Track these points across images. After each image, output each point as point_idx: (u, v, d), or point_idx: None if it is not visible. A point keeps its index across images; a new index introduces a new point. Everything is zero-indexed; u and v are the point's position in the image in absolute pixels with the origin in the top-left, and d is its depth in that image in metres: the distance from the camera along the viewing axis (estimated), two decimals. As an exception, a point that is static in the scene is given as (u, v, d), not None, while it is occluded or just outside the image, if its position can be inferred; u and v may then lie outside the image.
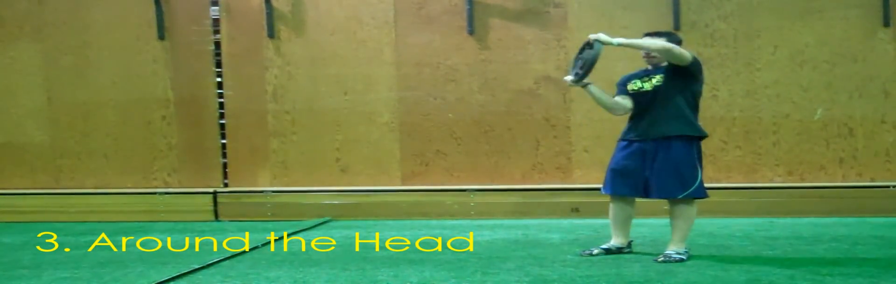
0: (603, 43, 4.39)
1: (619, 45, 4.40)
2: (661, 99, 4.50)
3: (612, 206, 4.72)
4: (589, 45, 4.47)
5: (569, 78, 4.59)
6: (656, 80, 4.53)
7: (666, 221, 4.63)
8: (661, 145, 4.50)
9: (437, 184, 6.80)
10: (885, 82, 6.55)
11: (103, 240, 5.72)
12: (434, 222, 6.39)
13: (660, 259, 4.45)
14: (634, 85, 4.62)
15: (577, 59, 4.60)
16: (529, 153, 6.83)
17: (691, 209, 4.54)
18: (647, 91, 4.55)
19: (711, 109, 6.63)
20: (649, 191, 4.55)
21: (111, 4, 7.10)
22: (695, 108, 4.59)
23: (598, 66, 4.48)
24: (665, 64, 4.55)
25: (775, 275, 4.00)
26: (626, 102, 4.65)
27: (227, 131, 7.06)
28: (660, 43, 4.42)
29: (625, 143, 4.64)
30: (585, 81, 4.58)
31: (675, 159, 4.47)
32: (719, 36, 6.61)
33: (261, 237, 5.64)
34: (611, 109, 4.68)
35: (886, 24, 6.50)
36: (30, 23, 7.16)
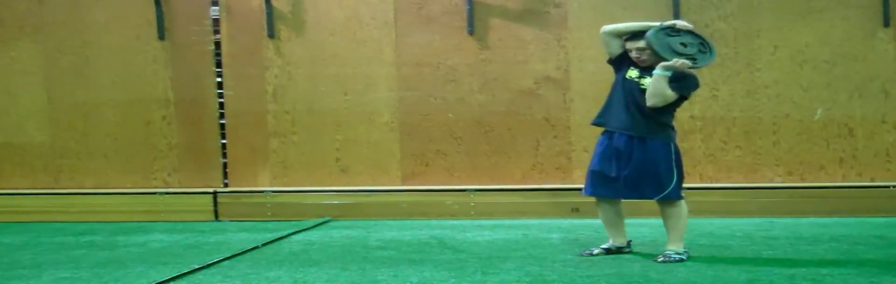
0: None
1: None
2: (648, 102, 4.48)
3: (599, 208, 4.73)
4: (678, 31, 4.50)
5: (683, 61, 4.43)
6: (648, 81, 4.50)
7: (666, 221, 4.63)
8: (637, 142, 4.49)
9: (437, 184, 6.80)
10: (885, 82, 6.55)
11: (103, 240, 5.72)
12: (434, 222, 6.39)
13: (659, 259, 4.45)
14: (633, 72, 4.57)
15: (682, 44, 4.49)
16: (529, 153, 6.83)
17: (679, 208, 4.53)
18: (640, 88, 4.51)
19: (711, 109, 6.63)
20: (625, 192, 4.55)
21: (111, 4, 7.10)
22: (673, 113, 4.60)
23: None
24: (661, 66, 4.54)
25: (775, 275, 4.00)
26: (619, 49, 4.60)
27: (227, 131, 7.06)
28: (664, 92, 4.40)
29: (605, 140, 4.61)
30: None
31: (651, 159, 4.46)
32: (719, 36, 6.61)
33: (261, 237, 5.65)
34: (614, 27, 4.59)
35: (886, 24, 6.50)
36: (30, 23, 7.16)
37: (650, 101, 4.42)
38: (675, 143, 4.57)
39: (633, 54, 4.55)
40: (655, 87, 4.39)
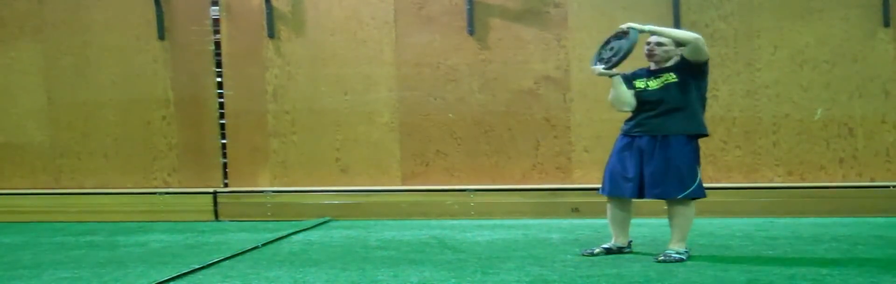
0: (637, 30, 4.44)
1: (650, 31, 4.46)
2: (674, 97, 4.48)
3: (609, 207, 4.72)
4: (622, 34, 4.51)
5: (599, 67, 4.55)
6: (665, 78, 4.51)
7: (666, 221, 4.62)
8: (660, 142, 4.49)
9: (437, 184, 6.80)
10: (885, 82, 6.56)
11: (103, 240, 5.72)
12: (434, 222, 6.39)
13: (660, 259, 4.44)
14: (640, 83, 4.59)
15: (606, 48, 4.61)
16: (529, 153, 6.83)
17: (689, 208, 4.53)
18: (654, 90, 4.52)
19: (711, 109, 6.58)
20: (646, 192, 4.54)
21: (111, 4, 7.10)
22: (704, 105, 4.60)
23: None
24: (672, 63, 4.54)
25: (775, 275, 4.00)
26: (633, 99, 4.62)
27: (227, 131, 7.06)
28: (690, 33, 4.46)
29: (625, 140, 4.62)
30: (614, 70, 4.56)
31: (674, 158, 4.46)
32: (719, 36, 6.61)
33: (261, 237, 5.65)
34: (622, 103, 4.59)
35: (886, 24, 6.50)
36: (30, 23, 7.17)
37: (689, 50, 4.42)
38: (697, 142, 4.55)
39: (648, 47, 4.56)
40: (678, 33, 4.47)
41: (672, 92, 4.49)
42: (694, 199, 4.52)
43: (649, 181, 4.49)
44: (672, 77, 4.50)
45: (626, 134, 4.63)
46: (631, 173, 4.54)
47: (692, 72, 4.50)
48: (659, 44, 4.52)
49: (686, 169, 4.47)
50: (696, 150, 4.54)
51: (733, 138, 6.66)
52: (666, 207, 4.58)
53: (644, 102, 4.57)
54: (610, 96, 4.64)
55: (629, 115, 4.66)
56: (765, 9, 6.62)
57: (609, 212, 4.73)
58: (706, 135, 4.59)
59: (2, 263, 4.83)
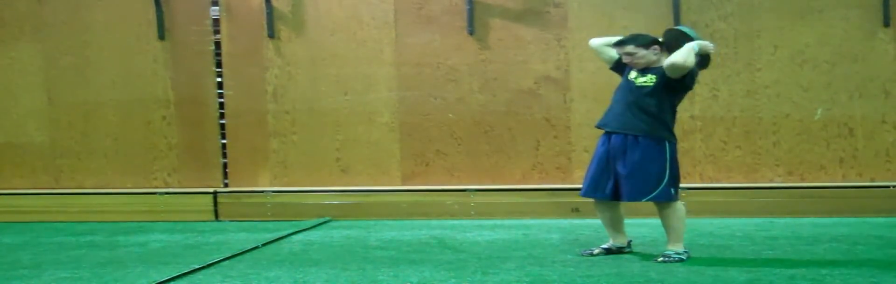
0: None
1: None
2: (648, 100, 4.49)
3: (597, 209, 4.73)
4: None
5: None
6: (647, 79, 4.51)
7: (666, 221, 4.63)
8: (631, 144, 4.50)
9: (437, 184, 6.80)
10: (885, 82, 6.55)
11: (103, 240, 5.72)
12: (434, 222, 6.39)
13: (660, 260, 4.45)
14: (633, 74, 4.60)
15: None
16: (529, 153, 6.83)
17: (674, 209, 4.53)
18: (635, 87, 4.53)
19: (711, 109, 6.63)
20: (619, 193, 4.56)
21: (111, 4, 7.10)
22: (675, 113, 4.62)
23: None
24: (657, 66, 4.53)
25: (775, 275, 4.01)
26: (613, 54, 4.70)
27: (227, 131, 7.06)
28: (683, 58, 4.39)
29: (604, 139, 4.62)
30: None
31: (644, 160, 4.48)
32: (719, 36, 6.61)
33: (261, 237, 5.65)
34: (602, 52, 4.75)
35: (886, 24, 6.50)
36: (30, 23, 7.16)
37: (670, 60, 4.39)
38: (673, 146, 4.57)
39: (625, 59, 4.61)
40: (686, 53, 4.36)
41: (647, 94, 4.50)
42: (668, 201, 4.52)
43: (621, 182, 4.52)
44: (651, 81, 4.50)
45: (603, 132, 4.64)
46: (608, 174, 4.56)
47: (669, 83, 4.48)
48: (628, 54, 4.57)
49: (654, 171, 4.48)
50: (672, 153, 4.53)
51: (733, 138, 6.66)
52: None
53: (627, 92, 4.57)
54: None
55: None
56: (765, 9, 6.62)
57: (598, 214, 4.76)
58: (675, 142, 4.60)
59: (2, 263, 4.83)
